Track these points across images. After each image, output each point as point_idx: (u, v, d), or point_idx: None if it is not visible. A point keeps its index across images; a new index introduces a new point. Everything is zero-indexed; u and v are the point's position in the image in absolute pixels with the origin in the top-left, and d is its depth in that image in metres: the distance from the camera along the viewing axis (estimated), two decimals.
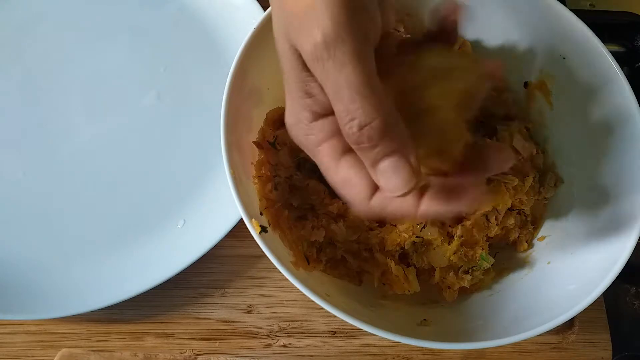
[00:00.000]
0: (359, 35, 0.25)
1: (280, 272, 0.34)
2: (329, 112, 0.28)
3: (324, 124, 0.28)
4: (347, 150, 0.28)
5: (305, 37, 0.25)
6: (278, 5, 0.27)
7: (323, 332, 0.44)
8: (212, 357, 0.43)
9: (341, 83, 0.25)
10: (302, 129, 0.29)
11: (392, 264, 0.39)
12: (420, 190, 0.29)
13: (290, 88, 0.28)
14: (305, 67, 0.27)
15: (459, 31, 0.31)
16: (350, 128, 0.26)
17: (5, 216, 0.47)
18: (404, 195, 0.27)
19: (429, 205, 0.29)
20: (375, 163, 0.27)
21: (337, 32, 0.24)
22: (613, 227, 0.37)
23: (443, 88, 0.28)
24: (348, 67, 0.25)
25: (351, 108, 0.25)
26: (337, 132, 0.28)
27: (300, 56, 0.27)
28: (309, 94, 0.28)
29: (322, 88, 0.27)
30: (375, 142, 0.26)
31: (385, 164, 0.26)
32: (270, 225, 0.37)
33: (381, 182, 0.27)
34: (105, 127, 0.50)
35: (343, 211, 0.40)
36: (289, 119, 0.29)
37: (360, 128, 0.25)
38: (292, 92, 0.28)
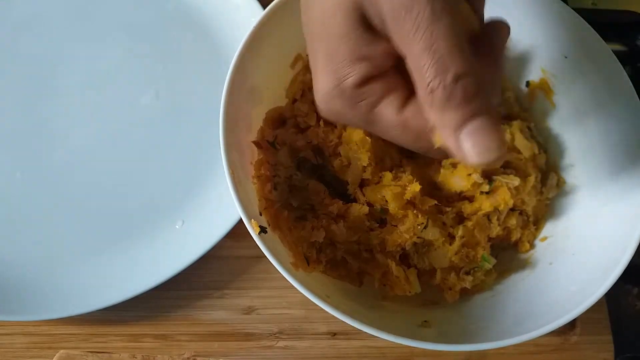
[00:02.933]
0: None
1: (280, 273, 0.33)
2: (379, 74, 0.26)
3: (374, 86, 0.26)
4: (405, 102, 0.26)
5: None
6: None
7: (323, 333, 0.44)
8: (211, 359, 0.42)
9: (438, 34, 0.23)
10: (348, 98, 0.26)
11: (393, 265, 0.39)
12: None
13: (336, 52, 0.26)
14: (366, 28, 0.25)
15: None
16: (442, 80, 0.23)
17: (3, 217, 0.47)
18: (487, 164, 0.25)
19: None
20: (463, 123, 0.24)
21: None
22: (615, 228, 0.37)
23: None
24: (447, 18, 0.23)
25: (447, 59, 0.23)
26: (391, 89, 0.26)
27: (361, 16, 0.25)
28: (364, 57, 0.26)
29: (382, 51, 0.25)
30: (470, 97, 0.24)
31: (477, 123, 0.24)
32: (269, 225, 0.37)
33: (466, 146, 0.24)
34: (103, 126, 0.49)
35: (343, 211, 0.40)
36: (325, 89, 0.27)
37: (456, 80, 0.23)
38: (339, 57, 0.26)
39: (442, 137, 0.25)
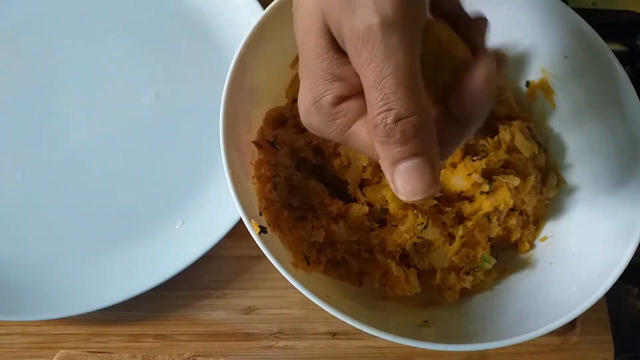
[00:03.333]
0: (415, 25, 0.24)
1: (280, 273, 0.33)
2: (356, 94, 0.27)
3: (350, 105, 0.27)
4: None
5: (357, 17, 0.24)
6: None
7: (323, 333, 0.44)
8: (210, 359, 0.42)
9: (388, 70, 0.24)
10: (326, 114, 0.27)
11: (393, 265, 0.39)
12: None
13: (312, 71, 0.27)
14: (337, 49, 0.26)
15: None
16: (384, 118, 0.24)
17: (3, 217, 0.47)
18: (417, 202, 0.26)
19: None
20: (397, 161, 0.25)
21: (396, 18, 0.24)
22: (615, 228, 0.37)
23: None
24: (398, 56, 0.24)
25: (392, 98, 0.24)
26: (366, 110, 0.26)
27: (332, 38, 0.26)
28: (337, 77, 0.27)
29: (354, 72, 0.26)
30: (407, 138, 0.24)
31: (409, 164, 0.25)
32: (269, 225, 0.37)
33: (397, 184, 0.26)
34: (103, 126, 0.49)
35: (343, 211, 0.40)
36: (305, 104, 0.28)
37: (397, 120, 0.24)
38: (314, 76, 0.27)
39: (382, 167, 0.26)
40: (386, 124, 0.24)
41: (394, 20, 0.23)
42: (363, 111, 0.27)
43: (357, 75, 0.26)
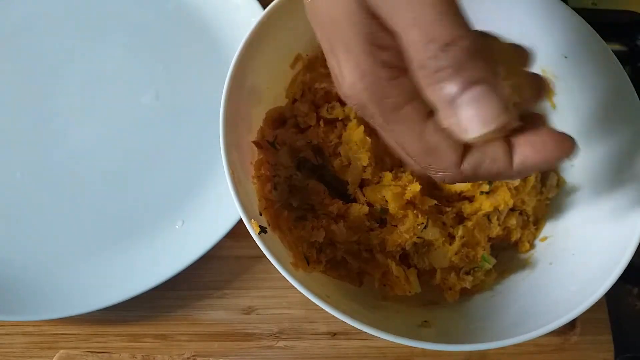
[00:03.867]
0: None
1: (280, 273, 0.33)
2: (406, 68, 0.24)
3: (403, 83, 0.24)
4: (430, 114, 0.25)
5: None
6: None
7: (323, 333, 0.44)
8: (211, 359, 0.42)
9: (425, 3, 0.21)
10: (375, 91, 0.24)
11: (393, 265, 0.39)
12: (509, 141, 0.25)
13: (352, 42, 0.24)
14: (373, 14, 0.23)
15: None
16: (429, 51, 0.21)
17: (3, 216, 0.47)
18: (491, 136, 0.23)
19: (525, 155, 0.24)
20: (459, 93, 0.22)
21: None
22: (615, 228, 0.37)
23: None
24: None
25: (434, 29, 0.21)
26: (417, 94, 0.24)
27: (364, 3, 0.23)
28: (382, 47, 0.24)
29: (393, 37, 0.23)
30: (460, 64, 0.22)
31: (470, 95, 0.22)
32: (269, 225, 0.37)
33: (463, 119, 0.22)
34: (103, 126, 0.49)
35: (343, 211, 0.40)
36: (353, 78, 0.25)
37: (445, 48, 0.21)
38: (358, 46, 0.24)
39: (444, 118, 0.23)
40: (434, 57, 0.21)
41: None
42: (414, 95, 0.24)
43: (397, 46, 0.24)
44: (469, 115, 0.22)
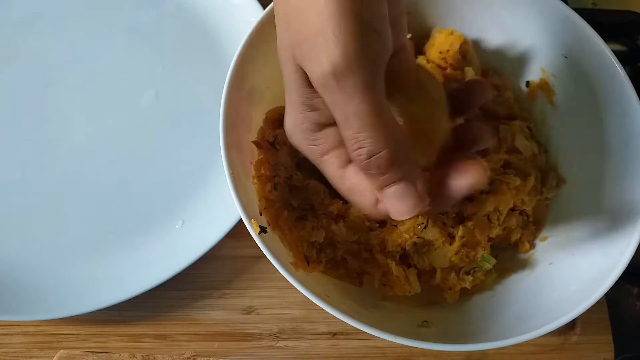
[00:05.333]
0: (369, 65, 0.25)
1: (280, 273, 0.33)
2: (333, 122, 0.28)
3: (327, 134, 0.29)
4: (349, 160, 0.30)
5: (313, 64, 0.25)
6: (285, 27, 0.27)
7: (323, 333, 0.44)
8: (211, 359, 0.42)
9: (350, 113, 0.25)
10: (305, 138, 0.29)
11: (393, 265, 0.39)
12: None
13: (292, 99, 0.28)
14: (309, 84, 0.27)
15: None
16: (358, 155, 0.26)
17: (2, 216, 0.47)
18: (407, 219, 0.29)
19: (433, 200, 0.30)
20: (381, 188, 0.28)
21: (346, 64, 0.24)
22: (615, 228, 0.37)
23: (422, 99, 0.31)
24: (357, 99, 0.25)
25: (360, 137, 0.25)
26: (342, 142, 0.28)
27: (304, 75, 0.27)
28: (313, 108, 0.28)
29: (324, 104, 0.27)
30: (383, 170, 0.27)
31: (392, 190, 0.28)
32: (269, 225, 0.37)
33: (387, 206, 0.28)
34: (103, 126, 0.49)
35: (343, 211, 0.40)
36: (289, 126, 0.30)
37: (369, 157, 0.26)
38: (294, 104, 0.28)
39: (377, 194, 0.29)
40: (362, 161, 0.26)
41: (344, 67, 0.24)
42: (337, 144, 0.29)
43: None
44: (392, 205, 0.28)
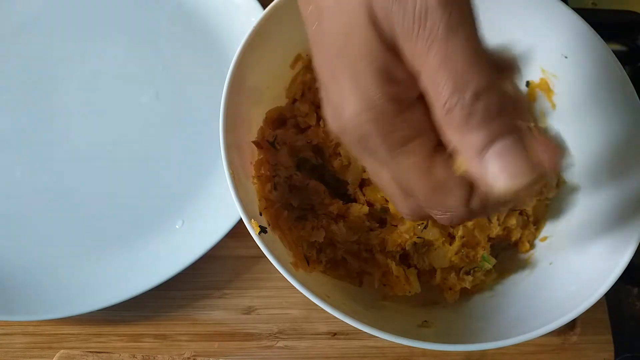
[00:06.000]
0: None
1: (280, 273, 0.33)
2: (415, 102, 0.23)
3: (412, 117, 0.23)
4: (437, 150, 0.24)
5: (407, 2, 0.21)
6: None
7: (323, 333, 0.44)
8: (211, 359, 0.42)
9: (455, 48, 0.21)
10: (385, 123, 0.23)
11: (393, 265, 0.39)
12: None
13: (362, 71, 0.23)
14: (389, 46, 0.22)
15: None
16: (460, 97, 0.21)
17: (2, 216, 0.47)
18: (517, 190, 0.21)
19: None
20: (485, 146, 0.21)
21: None
22: (615, 228, 0.37)
23: None
24: (464, 30, 0.21)
25: (466, 77, 0.21)
26: (425, 128, 0.23)
27: (382, 32, 0.22)
28: (394, 80, 0.23)
29: (408, 72, 0.23)
30: (493, 115, 0.21)
31: (502, 145, 0.21)
32: (269, 225, 0.37)
33: (491, 172, 0.21)
34: (103, 126, 0.49)
35: (343, 211, 0.40)
36: (351, 110, 0.23)
37: (477, 97, 0.21)
38: (366, 77, 0.23)
39: (465, 162, 0.22)
40: (464, 104, 0.21)
41: None
42: (422, 131, 0.23)
43: (410, 79, 0.23)
44: (498, 169, 0.21)
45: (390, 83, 0.23)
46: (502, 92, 0.21)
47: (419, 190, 0.25)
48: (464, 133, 0.21)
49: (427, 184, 0.24)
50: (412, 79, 0.23)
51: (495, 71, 0.22)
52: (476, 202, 0.24)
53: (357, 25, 0.23)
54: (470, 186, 0.24)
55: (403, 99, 0.23)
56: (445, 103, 0.21)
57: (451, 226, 0.40)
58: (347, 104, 0.23)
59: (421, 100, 0.24)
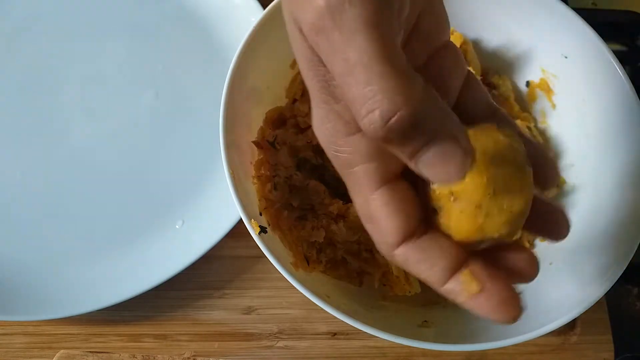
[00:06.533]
0: None
1: (280, 273, 0.33)
2: None
3: (360, 141, 0.22)
4: (387, 181, 0.22)
5: (305, 8, 0.19)
6: None
7: (323, 333, 0.44)
8: (211, 359, 0.42)
9: (352, 59, 0.19)
10: (333, 143, 0.22)
11: (393, 265, 0.39)
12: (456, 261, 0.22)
13: (313, 89, 0.22)
14: (321, 59, 0.21)
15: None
16: (370, 123, 0.19)
17: (2, 216, 0.47)
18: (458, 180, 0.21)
19: (460, 289, 0.23)
20: (412, 156, 0.21)
21: None
22: (616, 228, 0.37)
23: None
24: (359, 37, 0.19)
25: (368, 94, 0.19)
26: (376, 155, 0.22)
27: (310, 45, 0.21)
28: (334, 96, 0.22)
29: None
30: (408, 134, 0.20)
31: (427, 156, 0.20)
32: (269, 225, 0.37)
33: (427, 175, 0.21)
34: (103, 126, 0.49)
35: (343, 211, 0.40)
36: (317, 127, 0.23)
37: (385, 122, 0.19)
38: (316, 95, 0.22)
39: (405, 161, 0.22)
40: (375, 130, 0.19)
41: None
42: (372, 152, 0.22)
43: None
44: (433, 174, 0.21)
45: (334, 101, 0.22)
46: (415, 102, 0.19)
47: (357, 210, 0.24)
48: (390, 147, 0.21)
49: (361, 210, 0.23)
50: None
51: (404, 76, 0.19)
52: (403, 253, 0.23)
53: (294, 35, 0.22)
54: (404, 233, 0.22)
55: (351, 120, 0.21)
56: (361, 121, 0.20)
57: None
58: (314, 121, 0.23)
59: None
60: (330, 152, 0.23)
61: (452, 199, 0.22)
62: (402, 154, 0.21)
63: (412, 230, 0.22)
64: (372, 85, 0.19)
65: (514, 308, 0.23)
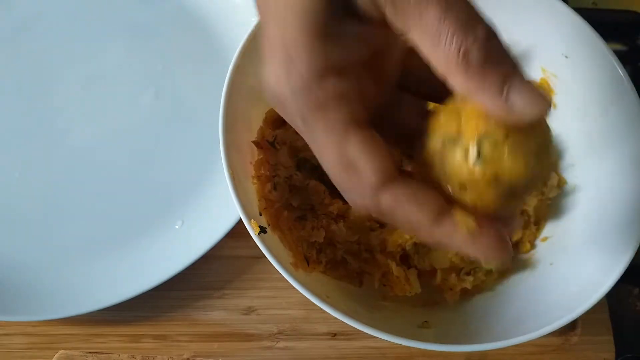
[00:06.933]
0: None
1: (280, 274, 0.33)
2: (345, 66, 0.22)
3: (336, 80, 0.22)
4: (359, 123, 0.22)
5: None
6: None
7: (323, 334, 0.44)
8: (210, 359, 0.42)
9: (453, 2, 0.20)
10: (301, 85, 0.22)
11: (393, 265, 0.39)
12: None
13: (291, 36, 0.22)
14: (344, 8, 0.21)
15: None
16: (475, 40, 0.20)
17: (2, 216, 0.47)
18: (542, 115, 0.21)
19: (452, 229, 0.22)
20: (508, 79, 0.20)
21: None
22: (616, 228, 0.37)
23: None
24: None
25: (474, 19, 0.20)
26: (349, 96, 0.22)
27: None
28: (335, 39, 0.21)
29: (358, 33, 0.22)
30: (506, 52, 0.21)
31: (520, 77, 0.21)
32: (269, 225, 0.37)
33: (521, 100, 0.20)
34: (102, 126, 0.49)
35: (343, 211, 0.40)
36: (272, 78, 0.23)
37: (489, 37, 0.20)
38: (296, 41, 0.22)
39: (485, 103, 0.21)
40: (480, 46, 0.20)
41: None
42: (348, 91, 0.22)
43: (359, 40, 0.22)
44: (524, 101, 0.20)
45: (328, 40, 0.21)
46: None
47: (327, 161, 0.23)
48: (485, 74, 0.20)
49: (334, 157, 0.22)
50: (360, 42, 0.22)
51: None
52: (390, 197, 0.22)
53: None
54: (386, 175, 0.22)
55: (344, 59, 0.22)
56: (460, 48, 0.20)
57: None
58: (267, 72, 0.23)
59: (359, 70, 0.22)
60: (291, 96, 0.22)
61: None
62: (497, 77, 0.20)
63: (393, 173, 0.22)
64: (476, 15, 0.20)
65: (508, 247, 0.23)
